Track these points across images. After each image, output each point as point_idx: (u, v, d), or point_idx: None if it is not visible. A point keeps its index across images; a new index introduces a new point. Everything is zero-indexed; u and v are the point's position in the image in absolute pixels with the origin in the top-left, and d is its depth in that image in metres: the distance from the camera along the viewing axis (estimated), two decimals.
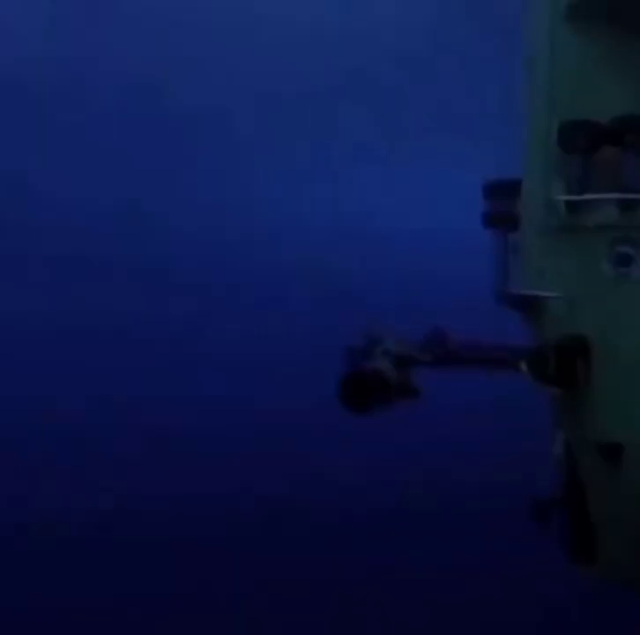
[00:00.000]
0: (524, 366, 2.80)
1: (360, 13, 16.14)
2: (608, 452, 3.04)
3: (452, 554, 5.72)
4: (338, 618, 5.02)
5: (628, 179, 2.98)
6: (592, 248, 3.09)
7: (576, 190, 3.00)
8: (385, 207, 18.02)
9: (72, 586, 5.32)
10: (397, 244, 17.30)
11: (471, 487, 6.88)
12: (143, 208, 15.82)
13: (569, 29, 2.70)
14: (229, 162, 18.03)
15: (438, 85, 15.62)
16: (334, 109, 16.76)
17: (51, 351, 11.38)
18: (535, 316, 3.24)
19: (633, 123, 2.82)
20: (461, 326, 3.43)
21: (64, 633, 4.87)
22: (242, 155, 18.20)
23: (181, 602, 5.21)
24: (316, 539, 6.14)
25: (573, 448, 3.28)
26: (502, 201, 3.59)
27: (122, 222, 14.87)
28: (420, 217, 17.14)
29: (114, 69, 15.13)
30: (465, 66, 15.00)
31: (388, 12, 15.61)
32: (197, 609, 5.18)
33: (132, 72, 15.33)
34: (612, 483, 3.08)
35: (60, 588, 5.29)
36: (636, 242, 3.06)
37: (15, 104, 14.52)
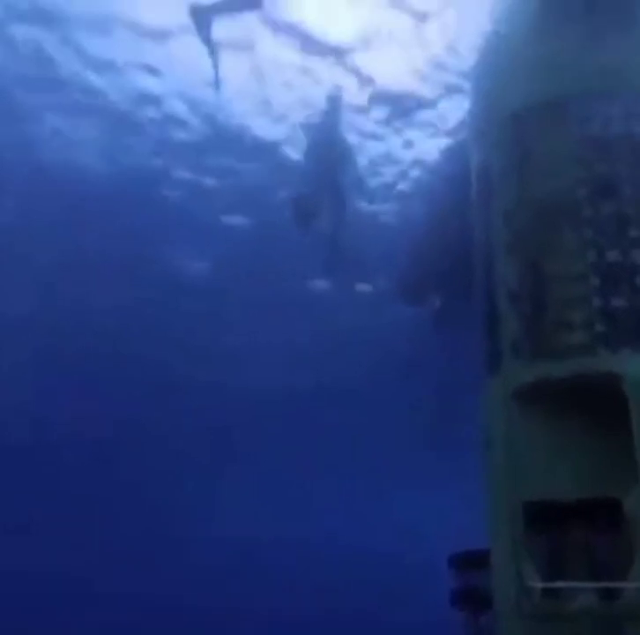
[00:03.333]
0: None
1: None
2: None
3: None
4: None
5: (602, 564, 2.82)
6: None
7: (548, 575, 2.81)
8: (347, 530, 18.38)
9: None
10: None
11: None
12: None
13: (524, 412, 2.80)
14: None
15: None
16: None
17: None
18: None
19: (598, 505, 2.77)
20: None
21: None
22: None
23: None
24: None
25: None
26: (471, 575, 3.32)
27: None
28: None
29: None
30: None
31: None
32: None
33: None
34: None
35: None
36: (619, 631, 2.74)
37: None
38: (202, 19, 7.65)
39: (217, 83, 8.25)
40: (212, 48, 7.94)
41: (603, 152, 2.89)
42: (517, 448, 2.79)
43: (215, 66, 8.07)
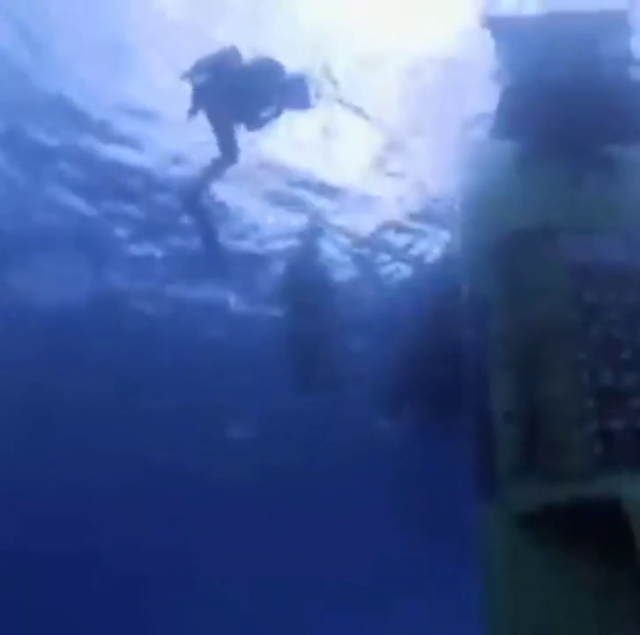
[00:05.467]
0: None
1: None
2: None
3: None
4: None
5: None
6: None
7: None
8: None
9: None
10: None
11: None
12: None
13: (525, 542, 2.72)
14: None
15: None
16: None
17: None
18: None
19: None
20: None
21: None
22: None
23: None
24: None
25: None
26: None
27: None
28: None
29: None
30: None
31: None
32: None
33: None
34: None
35: None
36: None
37: None
38: (192, 197, 7.24)
39: (215, 257, 7.63)
40: (205, 221, 7.37)
41: (590, 279, 2.97)
42: (520, 583, 2.64)
43: (211, 241, 7.44)
